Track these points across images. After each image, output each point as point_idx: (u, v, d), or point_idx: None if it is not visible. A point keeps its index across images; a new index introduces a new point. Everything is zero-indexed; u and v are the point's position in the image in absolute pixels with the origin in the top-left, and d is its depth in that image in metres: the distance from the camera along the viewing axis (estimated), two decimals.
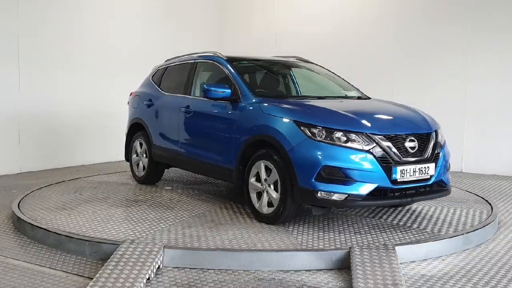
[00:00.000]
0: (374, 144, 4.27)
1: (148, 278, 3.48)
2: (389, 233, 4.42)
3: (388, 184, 4.25)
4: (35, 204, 5.34)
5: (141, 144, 6.65)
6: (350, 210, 5.17)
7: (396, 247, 3.91)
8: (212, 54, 5.84)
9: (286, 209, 4.46)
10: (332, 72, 6.34)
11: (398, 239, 4.23)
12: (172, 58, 6.81)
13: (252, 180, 4.78)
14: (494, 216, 4.98)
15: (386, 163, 4.25)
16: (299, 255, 3.82)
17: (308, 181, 4.23)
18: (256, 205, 4.76)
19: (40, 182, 6.85)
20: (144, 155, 6.56)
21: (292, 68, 6.23)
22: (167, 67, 6.66)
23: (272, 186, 4.59)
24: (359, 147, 4.24)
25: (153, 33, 9.87)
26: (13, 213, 4.96)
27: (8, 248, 4.26)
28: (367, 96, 5.88)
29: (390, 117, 4.83)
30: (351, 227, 4.59)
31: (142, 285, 3.30)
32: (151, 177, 6.57)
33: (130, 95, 7.12)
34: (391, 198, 4.37)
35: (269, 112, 4.71)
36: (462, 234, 4.35)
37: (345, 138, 4.26)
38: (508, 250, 4.30)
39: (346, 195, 4.17)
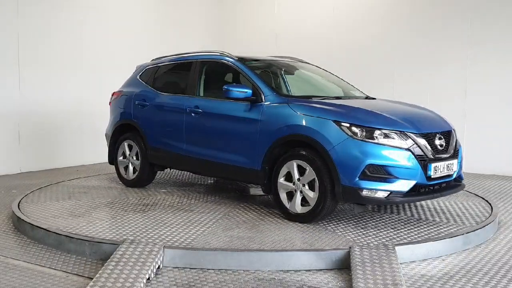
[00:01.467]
0: (413, 142, 4.43)
1: (148, 278, 3.48)
2: (389, 232, 4.42)
3: (424, 180, 4.44)
4: (35, 204, 5.33)
5: (129, 146, 6.36)
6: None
7: (396, 247, 3.92)
8: (220, 54, 5.72)
9: (325, 208, 4.49)
10: (330, 73, 6.37)
11: (398, 239, 4.23)
12: (157, 58, 6.62)
13: (282, 180, 4.76)
14: (494, 216, 4.98)
15: (422, 160, 4.41)
16: (299, 255, 3.82)
17: (352, 179, 4.31)
18: (288, 205, 4.73)
19: (40, 182, 6.85)
20: (135, 157, 6.29)
21: (298, 69, 6.23)
22: (159, 66, 6.42)
23: (307, 186, 4.58)
24: (400, 145, 4.38)
25: (153, 33, 9.86)
26: (13, 213, 4.95)
27: (8, 248, 4.26)
28: (371, 97, 5.89)
29: (417, 116, 4.91)
30: (382, 223, 4.61)
31: (142, 285, 3.30)
32: (143, 179, 6.29)
33: (113, 95, 6.80)
34: (426, 194, 4.58)
35: (303, 112, 4.69)
36: (462, 234, 4.35)
37: (385, 137, 4.37)
38: (508, 250, 4.31)
39: (389, 192, 4.32)
